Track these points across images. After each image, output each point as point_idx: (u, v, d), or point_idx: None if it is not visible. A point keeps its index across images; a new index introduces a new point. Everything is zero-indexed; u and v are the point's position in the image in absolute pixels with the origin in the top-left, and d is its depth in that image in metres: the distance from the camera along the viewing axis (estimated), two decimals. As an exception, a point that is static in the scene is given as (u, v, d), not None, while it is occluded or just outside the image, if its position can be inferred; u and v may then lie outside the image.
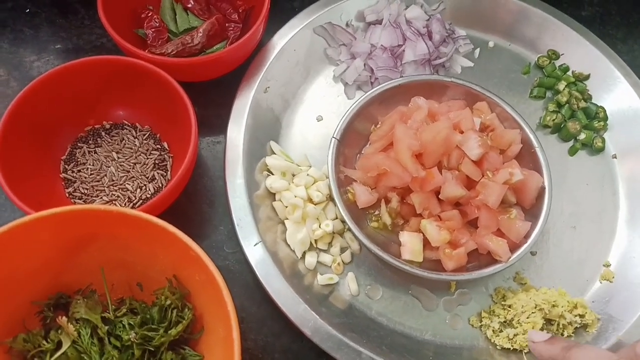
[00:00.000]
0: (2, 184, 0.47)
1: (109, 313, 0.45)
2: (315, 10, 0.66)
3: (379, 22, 0.67)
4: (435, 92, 0.61)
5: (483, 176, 0.54)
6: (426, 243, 0.54)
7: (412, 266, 0.52)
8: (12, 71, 0.63)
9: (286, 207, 0.56)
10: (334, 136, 0.57)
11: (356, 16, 0.68)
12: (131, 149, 0.58)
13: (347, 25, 0.67)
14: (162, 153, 0.58)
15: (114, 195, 0.55)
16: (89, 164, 0.56)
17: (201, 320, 0.45)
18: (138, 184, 0.56)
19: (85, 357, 0.43)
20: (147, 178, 0.56)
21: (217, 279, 0.39)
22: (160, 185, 0.56)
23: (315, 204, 0.56)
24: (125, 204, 0.55)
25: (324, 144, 0.60)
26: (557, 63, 0.68)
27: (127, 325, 0.44)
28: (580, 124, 0.64)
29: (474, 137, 0.55)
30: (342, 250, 0.56)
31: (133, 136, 0.58)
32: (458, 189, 0.53)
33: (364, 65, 0.64)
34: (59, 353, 0.43)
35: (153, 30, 0.62)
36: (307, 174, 0.58)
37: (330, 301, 0.53)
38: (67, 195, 0.55)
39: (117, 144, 0.58)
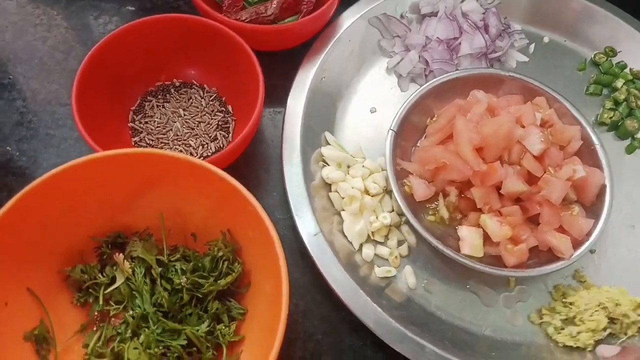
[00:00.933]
0: (79, 125, 0.48)
1: (163, 257, 0.46)
2: (370, 1, 0.66)
3: (434, 14, 0.66)
4: (492, 86, 0.61)
5: (545, 172, 0.54)
6: (485, 238, 0.53)
7: (474, 261, 0.52)
8: (92, 25, 0.66)
9: (343, 198, 0.55)
10: (391, 128, 0.57)
11: (411, 8, 0.67)
12: (197, 107, 0.59)
13: (401, 16, 0.67)
14: (226, 116, 0.59)
15: (177, 149, 0.57)
16: (157, 117, 0.58)
17: (249, 276, 0.46)
18: (201, 141, 0.57)
19: (137, 294, 0.45)
20: (210, 137, 0.58)
21: (271, 234, 0.40)
22: (222, 145, 0.58)
23: (371, 196, 0.55)
24: None
25: (378, 136, 0.60)
26: (614, 60, 0.67)
27: (179, 270, 0.45)
28: (639, 122, 0.63)
29: (535, 132, 0.54)
30: (399, 243, 0.55)
31: (200, 96, 0.60)
32: (520, 184, 0.52)
33: (419, 57, 0.64)
34: (112, 287, 0.45)
35: None
36: (363, 166, 0.57)
37: (387, 293, 0.52)
38: (133, 143, 0.57)
39: (185, 102, 0.60)
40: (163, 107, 0.59)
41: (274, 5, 0.61)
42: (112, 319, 0.46)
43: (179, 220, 0.47)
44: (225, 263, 0.45)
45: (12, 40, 0.64)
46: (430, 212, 0.56)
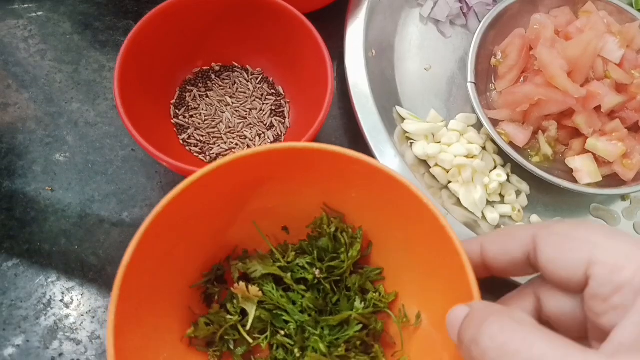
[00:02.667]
0: (136, 136, 0.41)
1: (282, 262, 0.39)
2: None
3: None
4: (537, 6, 0.57)
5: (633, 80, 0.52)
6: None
7: (594, 188, 0.50)
8: (95, 24, 0.55)
9: (448, 170, 0.51)
10: (470, 80, 0.52)
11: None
12: (245, 93, 0.52)
13: (415, -42, 0.60)
14: (278, 98, 0.52)
15: (233, 142, 0.50)
16: (202, 109, 0.51)
17: (366, 236, 0.40)
18: (257, 131, 0.51)
19: (279, 312, 0.38)
20: (265, 125, 0.51)
21: (386, 171, 0.33)
22: (279, 132, 0.51)
23: (472, 158, 0.51)
24: None
25: (444, 93, 0.56)
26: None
27: (306, 266, 0.39)
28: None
29: (611, 40, 0.52)
30: (517, 195, 0.52)
31: (245, 79, 0.52)
32: (617, 97, 0.50)
33: (453, -4, 0.58)
34: (251, 319, 0.38)
35: None
36: (448, 129, 0.53)
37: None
38: (180, 142, 0.49)
39: (229, 88, 0.52)
40: (206, 96, 0.51)
41: None
42: (257, 355, 0.39)
43: (266, 222, 0.40)
44: (343, 234, 0.40)
45: (4, 64, 0.51)
46: (532, 154, 0.53)
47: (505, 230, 0.30)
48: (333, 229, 0.39)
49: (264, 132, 0.51)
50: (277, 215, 0.40)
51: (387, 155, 0.49)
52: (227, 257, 0.40)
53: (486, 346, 0.24)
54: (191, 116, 0.51)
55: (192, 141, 0.50)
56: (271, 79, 0.53)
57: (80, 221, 0.47)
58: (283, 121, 0.51)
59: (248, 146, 0.50)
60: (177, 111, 0.51)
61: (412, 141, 0.52)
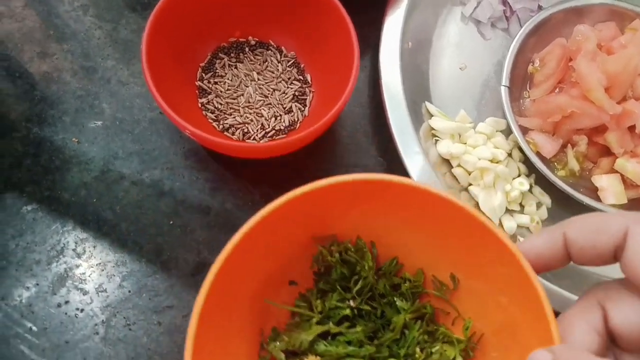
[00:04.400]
0: (162, 105, 0.41)
1: (314, 316, 0.36)
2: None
3: (499, -53, 0.59)
4: (582, 18, 0.56)
5: (673, 100, 0.50)
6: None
7: (618, 210, 0.49)
8: None
9: (470, 172, 0.50)
10: (504, 84, 0.52)
11: (472, -56, 0.60)
12: (273, 73, 0.52)
13: (463, -44, 0.59)
14: (304, 86, 0.52)
15: (248, 117, 0.50)
16: (228, 78, 0.51)
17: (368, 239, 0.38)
18: (274, 112, 0.51)
19: None
20: (284, 108, 0.51)
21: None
22: (296, 119, 0.51)
23: (497, 163, 0.51)
24: (257, 131, 0.50)
25: (476, 95, 0.55)
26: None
27: (337, 305, 0.36)
28: None
29: (656, 60, 0.50)
30: (537, 206, 0.51)
31: (277, 60, 0.53)
32: (655, 119, 0.49)
33: (497, -1, 0.57)
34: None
35: None
36: (475, 132, 0.52)
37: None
38: (199, 105, 0.50)
39: (259, 65, 0.52)
40: (235, 67, 0.52)
41: None
42: None
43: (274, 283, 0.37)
44: (349, 253, 0.37)
45: (47, 15, 0.52)
46: (559, 167, 0.52)
47: (594, 220, 0.27)
48: (337, 256, 0.37)
49: (281, 115, 0.51)
50: (283, 272, 0.37)
51: (410, 150, 0.49)
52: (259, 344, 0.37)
53: None
54: (215, 83, 0.51)
55: (210, 107, 0.50)
56: (302, 65, 0.53)
57: (101, 175, 0.47)
58: (303, 109, 0.51)
59: (262, 125, 0.50)
60: (203, 74, 0.51)
61: (437, 139, 0.52)
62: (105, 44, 0.52)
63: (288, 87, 0.52)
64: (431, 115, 0.53)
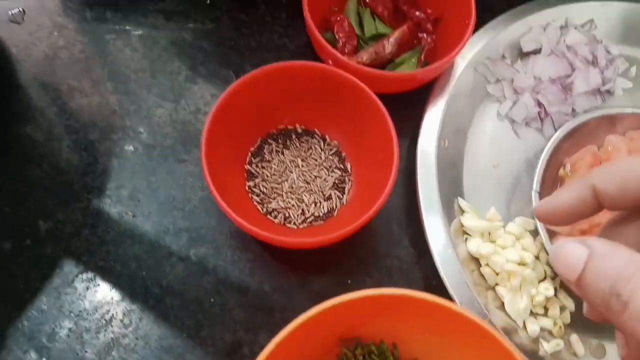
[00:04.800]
0: (212, 189, 0.45)
1: None
2: (471, 46, 0.61)
3: (537, 51, 0.63)
4: (615, 125, 0.58)
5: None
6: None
7: None
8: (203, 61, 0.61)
9: (497, 273, 0.52)
10: (535, 189, 0.54)
11: (510, 47, 0.63)
12: (316, 160, 0.56)
13: (502, 57, 0.63)
14: (344, 174, 0.55)
15: (290, 202, 0.53)
16: (274, 164, 0.55)
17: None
18: (314, 198, 0.54)
19: None
20: (324, 196, 0.54)
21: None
22: (334, 206, 0.54)
23: (523, 265, 0.53)
24: (298, 216, 0.53)
25: (507, 193, 0.58)
26: None
27: None
28: None
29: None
30: (561, 310, 0.53)
31: (321, 148, 0.56)
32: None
33: (533, 100, 0.60)
34: None
35: (343, 35, 0.58)
36: (505, 231, 0.54)
37: (560, 368, 0.51)
38: (246, 188, 0.54)
39: (304, 151, 0.56)
40: (282, 153, 0.56)
41: (392, 43, 0.58)
42: None
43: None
44: (372, 356, 0.40)
45: (114, 88, 0.58)
46: (584, 273, 0.54)
47: (621, 166, 0.28)
48: (361, 359, 0.40)
49: (320, 202, 0.54)
50: None
51: (441, 246, 0.51)
52: None
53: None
54: (263, 167, 0.55)
55: (256, 190, 0.54)
56: (343, 154, 0.56)
57: (151, 249, 0.51)
58: (341, 197, 0.54)
59: (302, 211, 0.53)
60: (252, 159, 0.55)
61: (467, 236, 0.54)
62: (166, 123, 0.57)
63: (329, 175, 0.55)
64: (463, 212, 0.55)
